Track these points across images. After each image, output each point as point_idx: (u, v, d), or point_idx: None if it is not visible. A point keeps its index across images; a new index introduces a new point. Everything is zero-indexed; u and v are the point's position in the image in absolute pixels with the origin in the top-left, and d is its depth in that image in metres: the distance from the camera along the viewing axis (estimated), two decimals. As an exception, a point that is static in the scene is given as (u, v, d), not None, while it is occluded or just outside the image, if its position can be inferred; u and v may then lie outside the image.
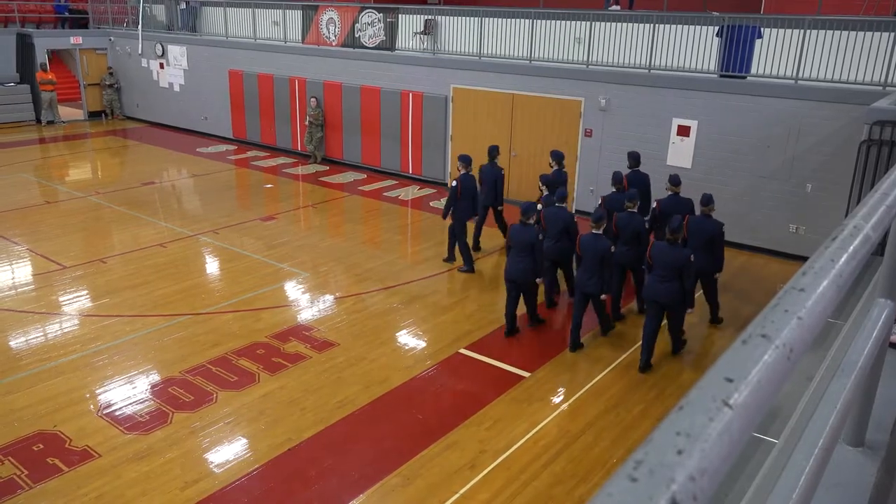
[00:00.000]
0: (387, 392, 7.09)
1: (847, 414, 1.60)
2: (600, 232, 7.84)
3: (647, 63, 12.06)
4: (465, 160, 10.11)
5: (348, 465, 5.96)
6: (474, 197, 10.18)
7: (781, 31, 10.81)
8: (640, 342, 7.77)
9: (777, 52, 10.80)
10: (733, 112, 11.19)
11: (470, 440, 6.32)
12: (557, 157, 10.31)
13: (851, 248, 1.11)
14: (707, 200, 8.22)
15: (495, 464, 6.00)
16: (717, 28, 11.33)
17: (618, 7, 14.27)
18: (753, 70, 11.13)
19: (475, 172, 10.39)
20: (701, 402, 0.62)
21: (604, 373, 7.58)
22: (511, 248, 8.13)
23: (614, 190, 9.34)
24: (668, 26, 11.89)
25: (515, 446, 6.25)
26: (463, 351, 7.97)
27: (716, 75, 11.40)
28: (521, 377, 7.45)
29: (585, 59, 12.75)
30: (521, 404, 6.94)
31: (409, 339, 8.37)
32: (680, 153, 11.79)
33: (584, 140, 12.87)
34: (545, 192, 9.47)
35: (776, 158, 10.94)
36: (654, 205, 9.21)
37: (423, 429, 6.50)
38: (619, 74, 12.28)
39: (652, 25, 11.98)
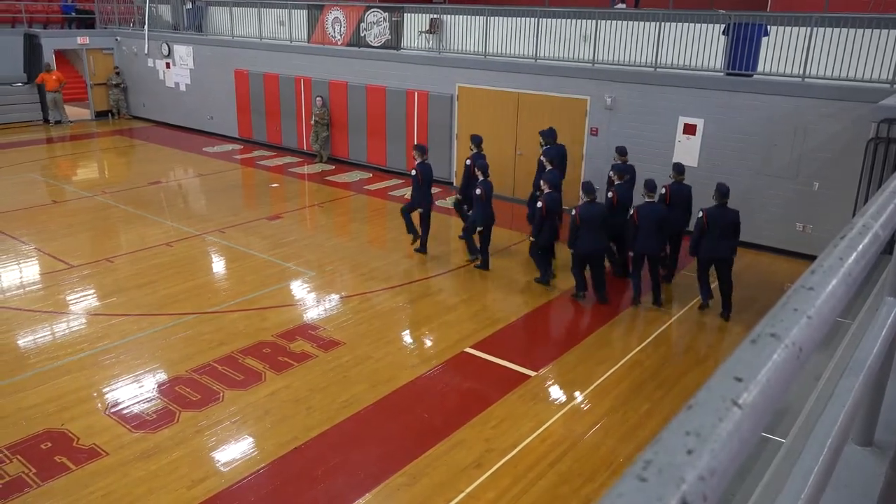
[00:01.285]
0: (393, 391, 7.09)
1: (856, 413, 1.60)
2: (656, 200, 9.07)
3: (654, 61, 12.02)
4: (421, 149, 10.65)
5: (354, 464, 5.97)
6: (430, 184, 10.69)
7: (788, 28, 10.76)
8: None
9: (784, 49, 10.75)
10: (739, 110, 11.15)
11: (476, 439, 6.32)
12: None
13: (861, 246, 1.10)
14: (727, 192, 8.75)
15: (501, 463, 6.00)
16: (723, 26, 11.29)
17: (623, 5, 14.24)
18: (760, 68, 11.09)
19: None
20: (710, 401, 0.61)
21: (609, 372, 7.57)
22: (581, 226, 8.87)
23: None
24: (674, 24, 11.85)
25: (521, 445, 6.25)
26: (469, 350, 7.97)
27: (722, 73, 11.37)
28: (526, 376, 7.45)
29: (591, 57, 12.73)
30: (527, 403, 6.94)
31: (414, 338, 8.37)
32: (686, 151, 11.75)
33: (589, 139, 12.84)
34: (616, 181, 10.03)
35: (783, 156, 10.89)
36: (662, 191, 9.61)
37: (429, 428, 6.51)
38: (624, 73, 12.25)
39: (658, 24, 11.94)
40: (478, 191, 10.04)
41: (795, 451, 1.42)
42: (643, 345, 8.22)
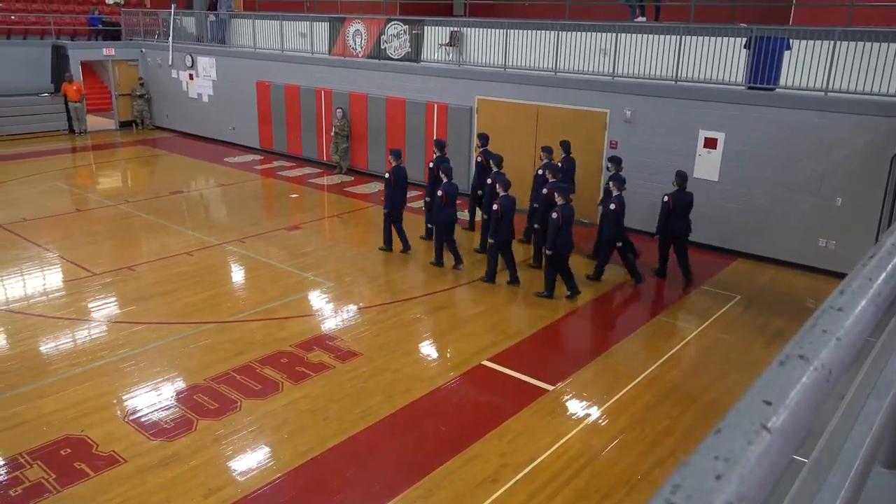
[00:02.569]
0: (409, 403, 7.08)
1: (883, 435, 1.56)
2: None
3: (674, 74, 11.98)
4: (396, 154, 11.30)
5: (371, 476, 5.96)
6: (405, 188, 11.32)
7: (811, 42, 10.67)
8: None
9: (806, 63, 10.66)
10: (761, 124, 11.06)
11: (492, 453, 6.28)
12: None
13: (890, 266, 1.08)
14: (686, 177, 10.25)
15: (518, 478, 5.95)
16: (744, 39, 11.23)
17: (644, 19, 14.22)
18: (782, 82, 11.00)
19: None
20: (739, 425, 0.61)
21: (627, 388, 7.50)
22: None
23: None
24: (694, 38, 11.81)
25: (538, 460, 6.20)
26: (485, 363, 7.94)
27: (743, 87, 11.29)
28: (544, 390, 7.40)
29: (611, 70, 12.72)
30: (544, 418, 6.89)
31: (431, 350, 8.36)
32: (706, 165, 11.68)
33: (609, 151, 12.80)
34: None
35: (805, 171, 10.78)
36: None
37: (445, 441, 6.48)
38: (644, 86, 12.22)
39: (678, 37, 11.91)
40: (439, 192, 10.56)
41: (820, 472, 1.39)
42: (662, 360, 8.14)
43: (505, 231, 9.91)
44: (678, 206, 10.07)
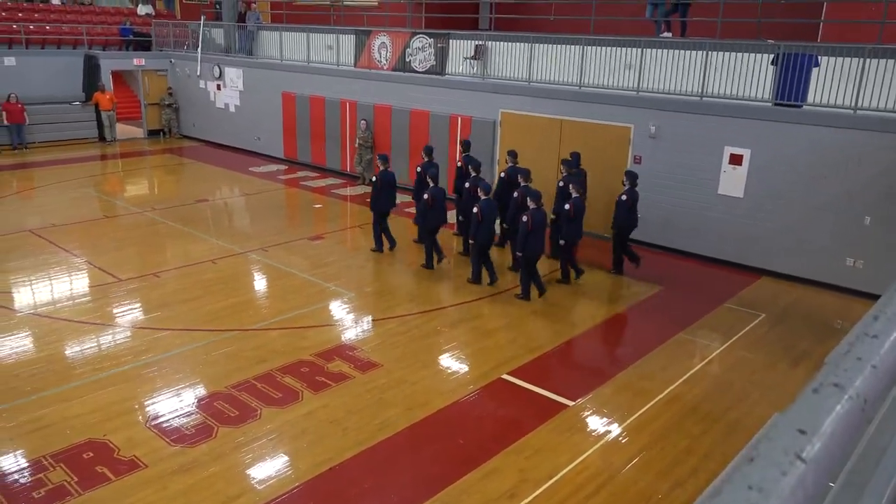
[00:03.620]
0: (428, 415, 7.06)
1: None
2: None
3: (700, 90, 11.91)
4: (383, 158, 11.96)
5: (388, 488, 5.95)
6: (392, 187, 11.88)
7: (840, 59, 10.56)
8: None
9: (835, 80, 10.54)
10: (788, 141, 10.95)
11: (510, 468, 6.24)
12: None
13: (925, 292, 1.06)
14: (637, 176, 11.00)
15: (536, 493, 5.90)
16: (772, 56, 11.14)
17: (669, 34, 14.18)
18: (810, 99, 10.88)
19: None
20: (773, 454, 0.60)
21: (648, 406, 7.41)
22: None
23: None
24: (720, 53, 11.74)
25: (557, 476, 6.14)
26: (505, 377, 7.91)
27: (770, 104, 11.19)
28: (563, 406, 7.34)
29: (636, 85, 12.68)
30: (564, 434, 6.83)
31: (451, 363, 8.34)
32: (732, 182, 11.57)
33: (632, 167, 12.73)
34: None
35: (833, 189, 10.63)
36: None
37: (463, 454, 6.45)
38: (670, 101, 12.15)
39: (704, 52, 11.85)
40: (425, 196, 11.00)
41: (848, 499, 1.36)
42: (683, 378, 8.04)
43: (535, 244, 9.89)
44: (633, 203, 10.86)
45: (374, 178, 11.99)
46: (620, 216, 10.98)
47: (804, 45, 11.07)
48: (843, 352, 0.82)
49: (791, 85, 10.90)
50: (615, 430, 6.96)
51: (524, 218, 9.72)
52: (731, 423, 7.14)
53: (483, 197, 10.28)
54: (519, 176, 10.86)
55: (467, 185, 11.38)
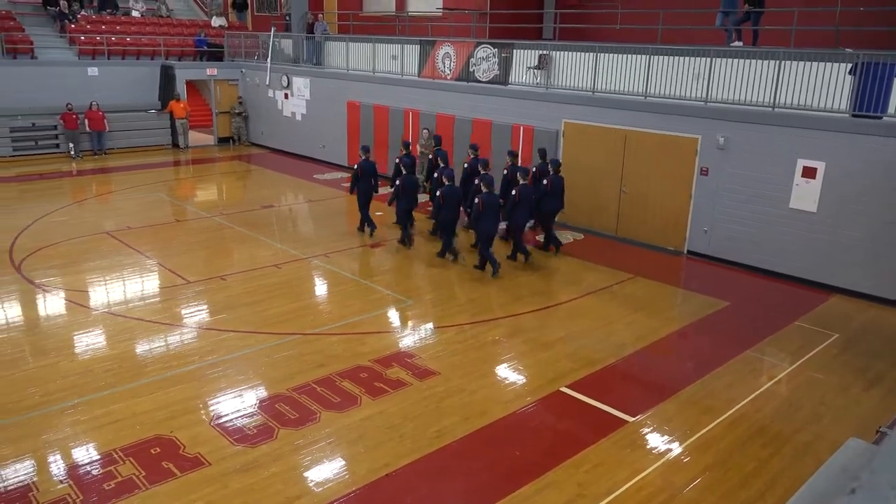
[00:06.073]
0: (485, 425, 7.03)
1: None
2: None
3: (772, 101, 11.54)
4: (365, 149, 13.53)
5: (444, 497, 5.94)
6: (374, 175, 13.39)
7: (925, 69, 10.05)
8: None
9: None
10: (866, 154, 10.48)
11: (568, 482, 6.15)
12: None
13: None
14: (560, 163, 12.69)
15: (594, 510, 5.79)
16: (849, 65, 10.70)
17: (740, 43, 13.79)
18: (890, 110, 10.40)
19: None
20: (876, 487, 0.57)
21: (712, 424, 7.19)
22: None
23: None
24: (794, 63, 11.35)
25: (616, 493, 6.02)
26: (564, 389, 7.80)
27: (847, 115, 10.75)
28: (623, 421, 7.19)
29: (704, 95, 12.38)
30: (623, 450, 6.69)
31: (509, 374, 8.29)
32: (804, 196, 11.14)
33: (699, 179, 12.43)
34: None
35: (915, 205, 10.11)
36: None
37: (520, 466, 6.39)
38: (739, 112, 11.81)
39: (777, 62, 11.48)
40: (397, 182, 12.76)
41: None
42: (750, 398, 7.76)
43: (486, 223, 11.37)
44: (555, 188, 12.28)
45: (355, 167, 13.47)
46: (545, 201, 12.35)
47: (885, 54, 10.59)
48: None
49: (871, 95, 10.44)
50: (677, 448, 6.77)
51: (476, 200, 11.25)
52: (800, 447, 6.85)
53: (447, 183, 11.87)
54: (479, 166, 12.38)
55: (436, 174, 13.00)
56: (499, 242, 12.60)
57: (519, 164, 13.13)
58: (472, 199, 11.72)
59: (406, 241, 12.93)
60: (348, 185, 14.12)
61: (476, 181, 11.88)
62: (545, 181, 12.24)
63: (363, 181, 13.29)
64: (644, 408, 7.47)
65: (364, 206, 13.43)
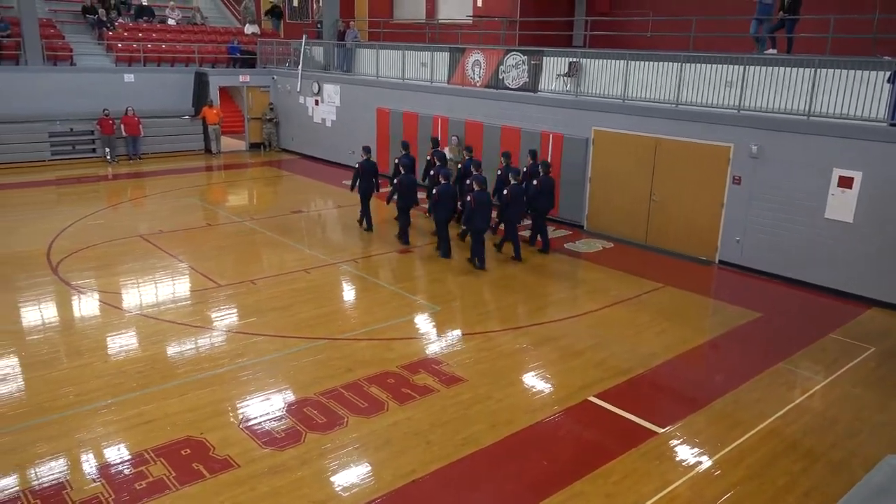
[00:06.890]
0: (512, 434, 7.00)
1: None
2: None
3: (807, 109, 11.36)
4: (366, 149, 14.24)
5: (470, 505, 5.92)
6: (375, 174, 14.25)
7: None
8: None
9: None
10: (905, 164, 10.25)
11: (596, 493, 6.09)
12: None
13: None
14: (549, 166, 13.19)
15: (622, 522, 5.72)
16: (888, 73, 10.49)
17: (774, 51, 13.60)
18: (931, 119, 10.17)
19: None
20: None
21: (743, 438, 7.06)
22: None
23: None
24: (830, 71, 11.16)
25: (644, 505, 5.94)
26: (592, 399, 7.74)
27: (886, 123, 10.53)
28: (653, 432, 7.10)
29: (737, 103, 12.22)
30: (652, 461, 6.61)
31: (537, 382, 8.24)
32: (840, 206, 10.93)
33: (731, 188, 12.26)
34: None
35: (956, 216, 9.86)
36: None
37: (547, 475, 6.35)
38: (773, 120, 11.65)
39: (813, 70, 11.30)
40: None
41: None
42: (783, 411, 7.62)
43: (479, 220, 11.97)
44: (545, 188, 12.82)
45: (356, 166, 14.26)
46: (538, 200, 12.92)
47: (925, 62, 10.36)
48: None
49: (910, 104, 10.22)
50: (706, 461, 6.66)
51: (469, 198, 11.76)
52: (835, 463, 6.70)
53: (443, 181, 12.46)
54: (471, 166, 13.18)
55: (432, 172, 14.01)
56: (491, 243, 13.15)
57: (511, 166, 13.63)
58: (466, 198, 12.32)
59: (403, 237, 13.56)
60: (349, 183, 14.83)
61: (468, 181, 12.55)
62: (535, 181, 12.85)
63: (364, 180, 14.07)
64: (673, 419, 7.37)
65: (367, 201, 14.35)
